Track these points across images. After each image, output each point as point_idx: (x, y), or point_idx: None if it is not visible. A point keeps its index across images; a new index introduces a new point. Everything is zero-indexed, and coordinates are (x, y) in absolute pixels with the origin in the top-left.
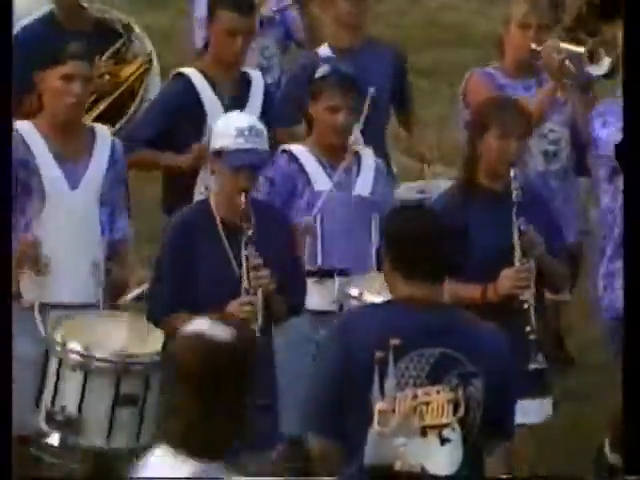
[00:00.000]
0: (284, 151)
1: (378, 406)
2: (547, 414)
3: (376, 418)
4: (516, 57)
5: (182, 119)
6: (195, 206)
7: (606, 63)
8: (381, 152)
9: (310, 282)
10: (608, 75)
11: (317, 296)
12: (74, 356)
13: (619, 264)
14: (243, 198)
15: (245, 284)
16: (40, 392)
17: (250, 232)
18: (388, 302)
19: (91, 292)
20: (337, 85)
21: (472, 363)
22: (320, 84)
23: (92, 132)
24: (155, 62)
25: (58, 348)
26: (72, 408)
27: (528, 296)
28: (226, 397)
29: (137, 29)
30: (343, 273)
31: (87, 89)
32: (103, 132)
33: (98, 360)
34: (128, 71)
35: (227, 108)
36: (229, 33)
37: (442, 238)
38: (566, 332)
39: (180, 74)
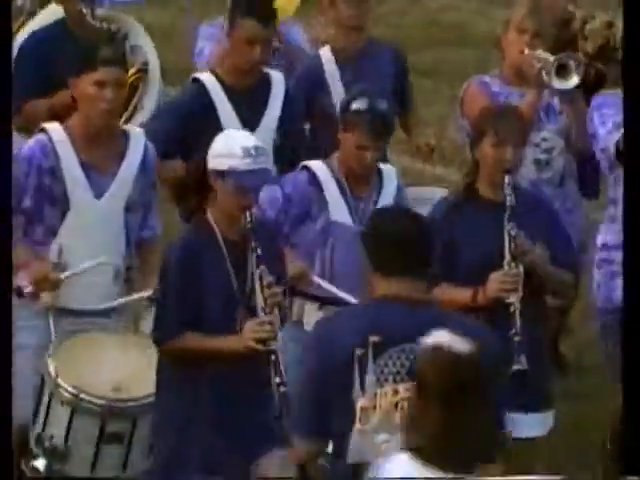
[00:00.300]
0: (305, 168)
1: (359, 403)
2: (550, 426)
3: (358, 415)
4: (513, 61)
5: (194, 125)
6: (194, 225)
7: (573, 80)
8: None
9: (313, 307)
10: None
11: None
12: (63, 392)
13: (617, 255)
14: (248, 217)
15: (261, 304)
16: (37, 406)
17: (259, 251)
18: (368, 302)
19: (112, 300)
20: (370, 125)
21: None
22: (354, 118)
23: (126, 136)
24: (156, 65)
25: (50, 380)
26: (59, 439)
27: (514, 299)
28: (467, 408)
29: (136, 35)
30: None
31: (120, 95)
32: (137, 135)
33: (85, 401)
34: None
35: (242, 114)
36: (249, 41)
37: (417, 235)
38: (564, 334)
39: (196, 79)
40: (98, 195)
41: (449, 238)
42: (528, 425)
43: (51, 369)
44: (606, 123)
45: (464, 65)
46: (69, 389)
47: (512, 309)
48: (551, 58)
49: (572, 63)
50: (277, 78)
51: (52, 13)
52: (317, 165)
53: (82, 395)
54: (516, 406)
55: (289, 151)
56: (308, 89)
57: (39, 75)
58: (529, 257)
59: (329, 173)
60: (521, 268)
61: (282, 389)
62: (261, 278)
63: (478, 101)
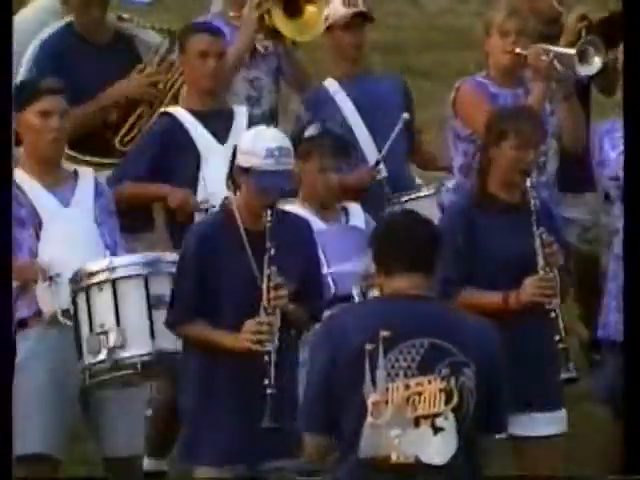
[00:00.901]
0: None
1: (371, 398)
2: (565, 424)
3: (370, 410)
4: (499, 64)
5: (173, 156)
6: (216, 215)
7: (596, 63)
8: (406, 177)
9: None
10: (600, 75)
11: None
12: (100, 275)
13: (614, 285)
14: (269, 215)
15: (264, 303)
16: (78, 343)
17: (273, 251)
18: (375, 298)
19: None
20: (328, 146)
21: (462, 352)
22: (310, 145)
23: (75, 171)
24: None
25: (81, 278)
26: (110, 323)
27: (554, 305)
28: None
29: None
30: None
31: (66, 123)
32: (86, 170)
33: (122, 269)
34: (172, 78)
35: (217, 139)
36: (201, 54)
37: (421, 233)
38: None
39: (166, 113)
40: (65, 204)
41: (465, 243)
42: (545, 423)
43: (80, 269)
44: (618, 146)
45: (463, 68)
46: (104, 267)
47: (553, 315)
48: (571, 50)
49: (591, 48)
50: (239, 112)
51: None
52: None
53: (116, 265)
54: (535, 405)
55: None
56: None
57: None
58: (560, 261)
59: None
60: (556, 272)
61: (269, 391)
62: (269, 278)
63: (474, 101)
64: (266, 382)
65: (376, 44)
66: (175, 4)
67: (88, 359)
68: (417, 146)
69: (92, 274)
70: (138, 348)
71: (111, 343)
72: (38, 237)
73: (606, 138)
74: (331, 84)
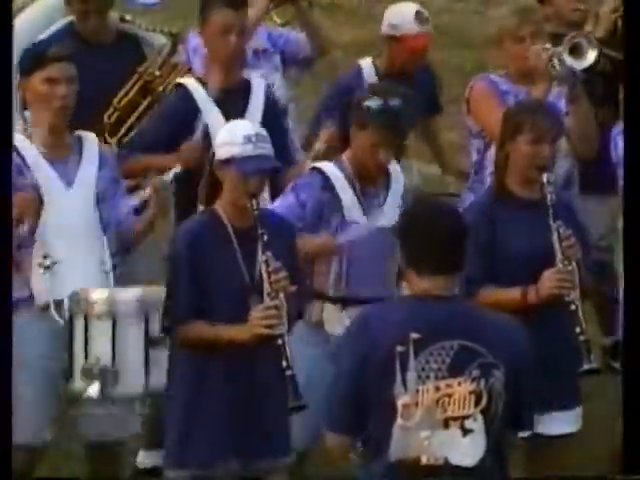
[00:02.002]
0: (316, 170)
1: (401, 400)
2: (580, 423)
3: (400, 412)
4: (518, 68)
5: (181, 128)
6: (203, 215)
7: (590, 56)
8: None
9: (334, 308)
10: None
11: (341, 323)
12: (99, 306)
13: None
14: (255, 203)
15: (267, 288)
16: (70, 363)
17: (266, 237)
18: (405, 299)
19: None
20: (384, 124)
21: (491, 354)
22: (366, 116)
23: (79, 138)
24: None
25: (81, 304)
26: (106, 357)
27: (574, 297)
28: None
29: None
30: (368, 301)
31: (72, 90)
32: (89, 137)
33: (121, 303)
34: (173, 79)
35: (227, 115)
36: (224, 30)
37: (453, 233)
38: None
39: (180, 84)
40: (68, 185)
41: (486, 240)
42: (563, 422)
43: (81, 294)
44: None
45: (461, 67)
46: (104, 298)
47: (573, 307)
48: (560, 48)
49: (584, 41)
50: (257, 84)
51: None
52: (329, 168)
53: (117, 299)
54: (552, 404)
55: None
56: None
57: None
58: (578, 254)
59: (341, 174)
60: (575, 265)
61: (289, 373)
62: (267, 263)
63: (485, 98)
64: (284, 365)
65: (372, 42)
66: (177, 5)
67: (79, 385)
68: (432, 113)
69: (92, 302)
70: (131, 387)
71: (106, 379)
72: (38, 214)
73: (618, 138)
74: (367, 66)
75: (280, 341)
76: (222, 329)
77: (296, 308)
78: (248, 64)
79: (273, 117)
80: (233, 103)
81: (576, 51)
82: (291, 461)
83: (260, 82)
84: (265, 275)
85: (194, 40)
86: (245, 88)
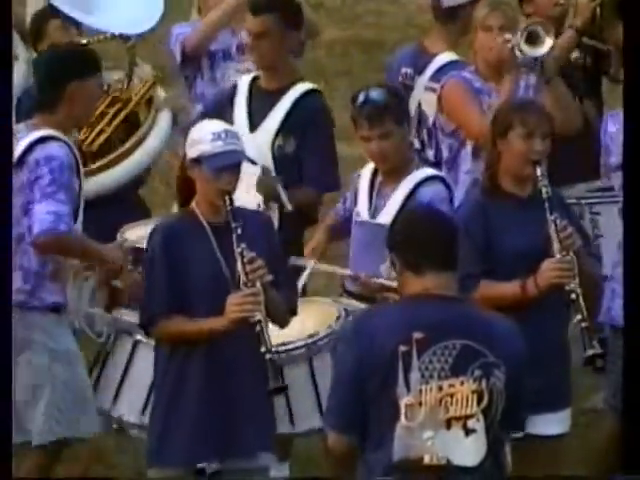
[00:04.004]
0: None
1: (405, 400)
2: (569, 423)
3: (403, 412)
4: (483, 59)
5: (218, 108)
6: (179, 214)
7: (546, 43)
8: None
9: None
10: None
11: None
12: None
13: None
14: (228, 200)
15: (243, 278)
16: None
17: (239, 231)
18: (406, 298)
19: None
20: (366, 116)
21: (492, 353)
22: (356, 113)
23: None
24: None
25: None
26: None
27: (574, 285)
28: None
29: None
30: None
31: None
32: None
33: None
34: (134, 92)
35: (253, 115)
36: (255, 36)
37: (447, 233)
38: None
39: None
40: None
41: (482, 238)
42: (552, 422)
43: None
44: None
45: None
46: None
47: (574, 296)
48: (517, 37)
49: (540, 29)
50: (296, 89)
51: None
52: (368, 166)
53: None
54: (544, 405)
55: (290, 157)
56: None
57: None
58: (576, 244)
59: (368, 171)
60: (573, 255)
61: (268, 356)
62: (242, 254)
63: (462, 98)
64: (263, 349)
65: (356, 42)
66: None
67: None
68: None
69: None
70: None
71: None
72: (76, 219)
73: (610, 121)
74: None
75: (258, 327)
76: (202, 321)
77: (287, 303)
78: (233, 59)
79: (301, 127)
80: (263, 104)
81: (532, 39)
82: (273, 458)
83: (300, 89)
84: (240, 265)
85: (179, 28)
86: (277, 95)
